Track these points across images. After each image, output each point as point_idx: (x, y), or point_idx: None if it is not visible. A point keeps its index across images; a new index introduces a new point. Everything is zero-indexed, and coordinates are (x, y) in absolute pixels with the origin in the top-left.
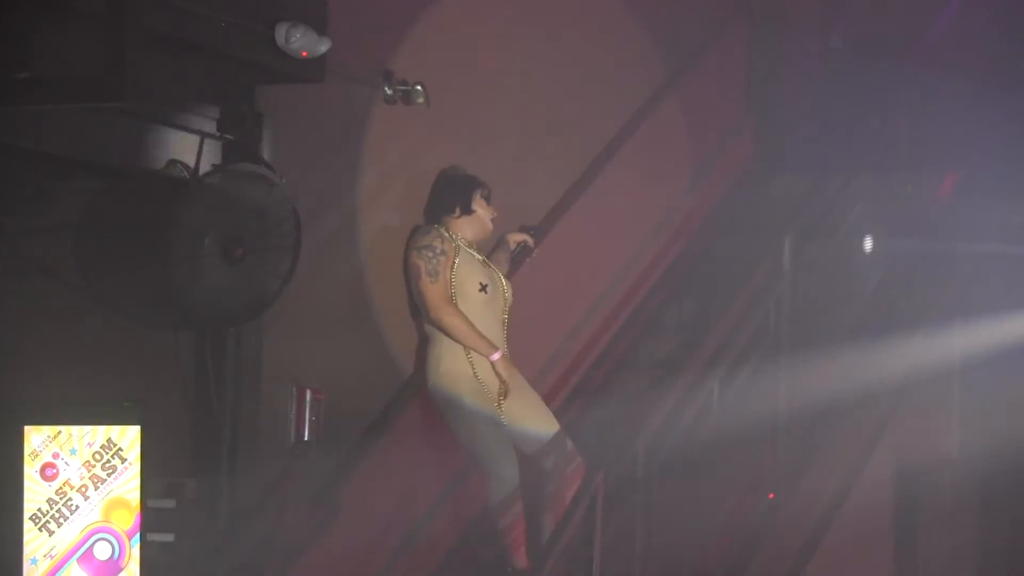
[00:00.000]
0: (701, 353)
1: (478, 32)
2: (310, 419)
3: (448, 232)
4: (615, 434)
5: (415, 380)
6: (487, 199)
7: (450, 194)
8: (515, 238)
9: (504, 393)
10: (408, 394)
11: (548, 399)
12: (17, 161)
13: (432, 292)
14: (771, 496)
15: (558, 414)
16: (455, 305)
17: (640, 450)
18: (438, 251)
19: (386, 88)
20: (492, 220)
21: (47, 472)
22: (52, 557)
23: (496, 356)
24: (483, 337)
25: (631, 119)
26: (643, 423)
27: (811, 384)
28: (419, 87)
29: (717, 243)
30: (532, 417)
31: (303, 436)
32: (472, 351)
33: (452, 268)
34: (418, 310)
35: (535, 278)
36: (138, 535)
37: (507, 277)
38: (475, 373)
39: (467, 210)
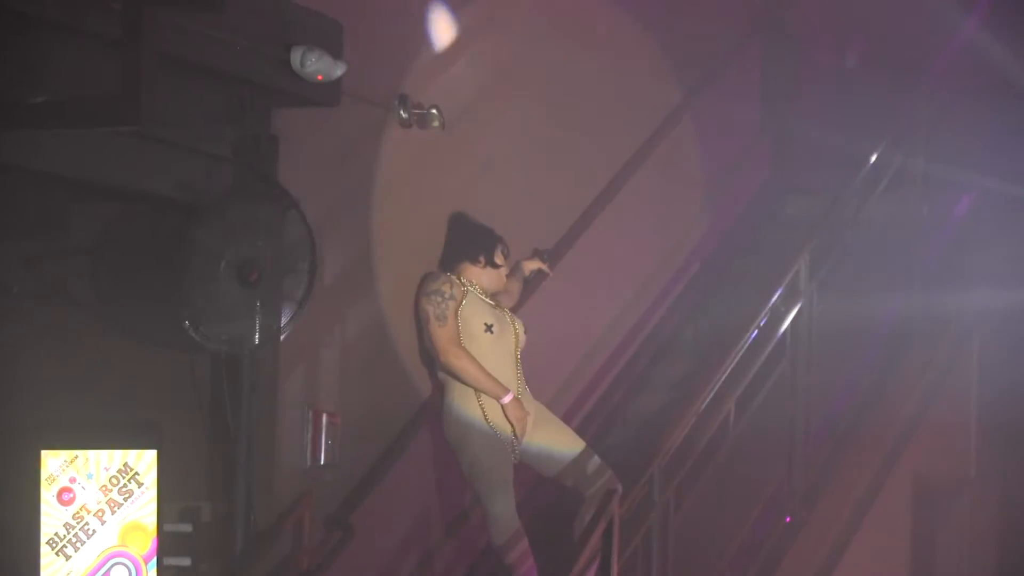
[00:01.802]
0: (717, 374)
1: (493, 55)
2: (326, 443)
3: (461, 279)
4: (631, 456)
5: (431, 404)
6: (506, 255)
7: (473, 243)
8: (530, 266)
9: (518, 437)
10: (424, 418)
11: (564, 421)
12: (33, 185)
13: (441, 336)
14: (788, 520)
15: None
16: (463, 348)
17: (656, 472)
18: (446, 296)
19: (401, 112)
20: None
21: (64, 496)
22: None
23: (507, 399)
24: (493, 379)
25: (647, 139)
26: (659, 445)
27: (828, 405)
28: (434, 110)
29: (733, 263)
30: (555, 440)
31: (319, 460)
32: (483, 394)
33: (458, 312)
34: (428, 358)
35: (550, 300)
36: (155, 559)
37: (518, 304)
38: (486, 417)
39: (491, 263)
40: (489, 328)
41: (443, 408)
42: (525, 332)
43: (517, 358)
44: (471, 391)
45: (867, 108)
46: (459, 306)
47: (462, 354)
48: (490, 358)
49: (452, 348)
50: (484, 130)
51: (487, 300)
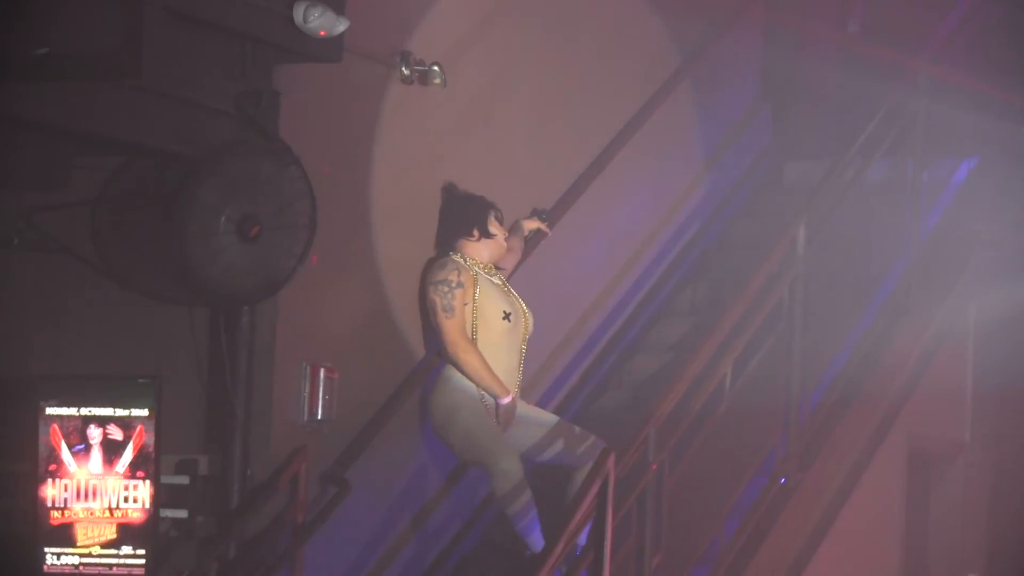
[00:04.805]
0: (714, 337)
1: (494, 13)
2: (323, 397)
3: (465, 260)
4: (627, 418)
5: (428, 360)
6: (500, 220)
7: (466, 216)
8: (529, 225)
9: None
10: (421, 374)
11: (560, 383)
12: (35, 137)
13: (449, 327)
14: (783, 482)
15: (570, 398)
16: (472, 342)
17: (652, 434)
18: (453, 285)
19: (403, 68)
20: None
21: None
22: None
23: (505, 400)
24: (496, 379)
25: (647, 102)
26: (655, 407)
27: (824, 368)
28: (436, 67)
29: (732, 227)
30: (532, 413)
31: (316, 414)
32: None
33: (474, 298)
34: (432, 343)
35: (548, 261)
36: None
37: (520, 261)
38: (481, 395)
39: (486, 234)
40: (507, 316)
41: (438, 380)
42: (533, 325)
43: (522, 349)
44: None
45: (869, 73)
46: (471, 293)
47: (470, 348)
48: (502, 346)
49: (461, 342)
50: (485, 88)
51: (497, 282)
